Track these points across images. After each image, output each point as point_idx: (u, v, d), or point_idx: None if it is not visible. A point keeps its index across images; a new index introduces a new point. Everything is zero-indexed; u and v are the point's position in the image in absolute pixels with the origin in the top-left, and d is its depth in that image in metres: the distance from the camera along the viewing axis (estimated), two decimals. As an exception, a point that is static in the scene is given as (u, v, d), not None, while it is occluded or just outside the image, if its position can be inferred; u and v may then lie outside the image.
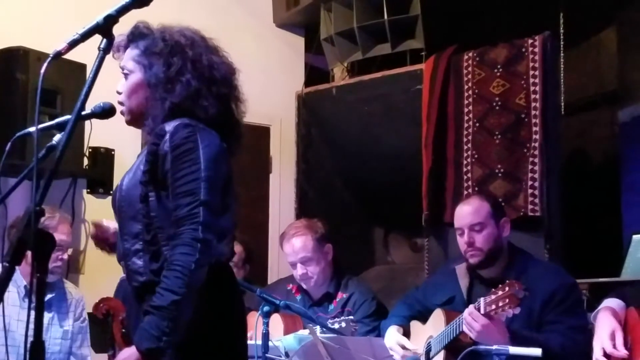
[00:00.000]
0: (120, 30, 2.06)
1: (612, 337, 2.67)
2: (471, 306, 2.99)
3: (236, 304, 2.25)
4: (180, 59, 2.22)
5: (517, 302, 2.85)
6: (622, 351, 2.65)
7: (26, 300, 3.53)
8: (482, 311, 2.93)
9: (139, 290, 2.18)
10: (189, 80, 2.20)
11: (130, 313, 2.47)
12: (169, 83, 2.20)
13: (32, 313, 1.73)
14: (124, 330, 2.02)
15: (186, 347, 2.08)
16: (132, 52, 2.28)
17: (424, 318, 3.46)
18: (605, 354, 2.67)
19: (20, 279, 3.59)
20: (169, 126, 2.15)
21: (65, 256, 3.70)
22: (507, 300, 2.86)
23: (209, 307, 2.10)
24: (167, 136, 2.13)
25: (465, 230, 3.31)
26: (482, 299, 2.95)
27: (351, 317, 3.44)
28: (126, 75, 2.28)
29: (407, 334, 3.51)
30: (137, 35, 2.29)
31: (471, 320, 2.95)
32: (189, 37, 2.27)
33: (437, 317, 3.32)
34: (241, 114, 2.32)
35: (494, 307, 2.89)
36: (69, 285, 3.84)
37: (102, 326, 3.53)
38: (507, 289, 2.88)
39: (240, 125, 2.32)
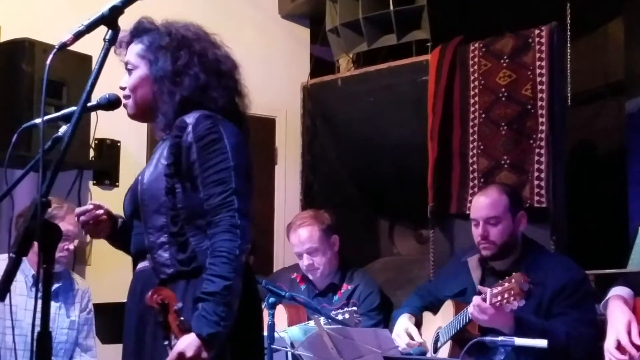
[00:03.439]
0: (124, 23, 2.06)
1: (628, 328, 2.67)
2: (476, 297, 3.00)
3: (252, 291, 2.25)
4: (187, 53, 2.24)
5: (522, 295, 2.86)
6: (639, 342, 2.64)
7: (33, 289, 3.54)
8: (488, 302, 2.93)
9: (166, 283, 2.17)
10: (197, 74, 2.22)
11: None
12: (177, 76, 2.22)
13: (40, 302, 1.74)
14: (182, 319, 2.03)
15: None
16: (135, 47, 2.29)
17: (435, 309, 3.46)
18: (619, 345, 2.65)
19: (28, 269, 3.62)
20: (190, 118, 2.18)
21: (72, 246, 3.72)
22: (512, 292, 2.87)
23: None
24: (190, 128, 2.16)
25: (481, 222, 3.28)
26: (488, 290, 2.96)
27: (354, 308, 3.45)
28: (130, 71, 2.29)
29: (419, 324, 3.51)
30: (140, 30, 2.30)
31: (479, 311, 2.96)
32: (194, 32, 2.29)
33: (447, 308, 3.33)
34: (245, 107, 2.34)
35: (499, 298, 2.90)
36: (75, 277, 3.86)
37: (110, 317, 3.56)
38: (513, 281, 2.88)
39: (246, 118, 2.34)
